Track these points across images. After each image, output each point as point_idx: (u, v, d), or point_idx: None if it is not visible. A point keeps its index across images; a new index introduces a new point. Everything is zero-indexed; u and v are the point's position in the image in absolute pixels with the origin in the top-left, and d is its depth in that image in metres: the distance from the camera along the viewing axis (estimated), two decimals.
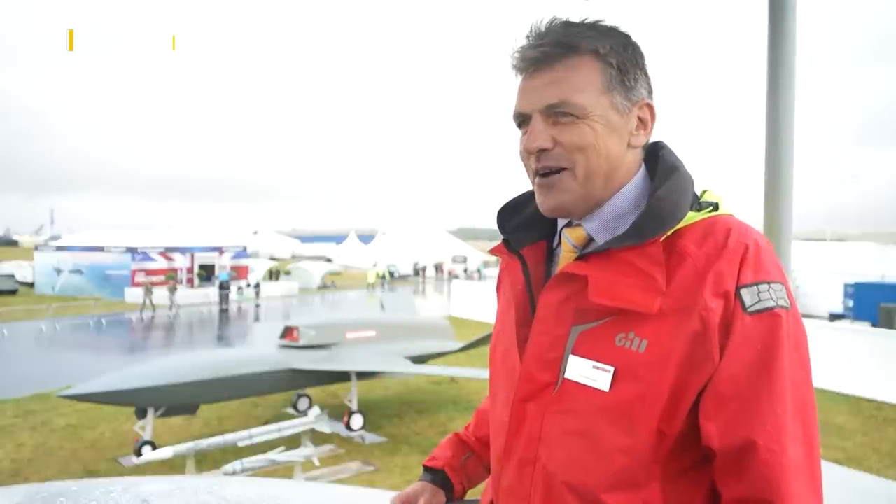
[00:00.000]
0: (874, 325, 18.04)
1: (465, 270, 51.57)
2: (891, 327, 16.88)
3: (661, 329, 0.92)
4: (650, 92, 1.06)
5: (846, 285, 22.42)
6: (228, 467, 7.79)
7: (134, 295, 31.32)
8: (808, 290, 24.37)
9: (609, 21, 1.04)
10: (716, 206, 1.01)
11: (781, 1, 1.68)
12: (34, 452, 10.15)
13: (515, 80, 1.06)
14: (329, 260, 59.30)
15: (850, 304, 21.79)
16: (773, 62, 1.68)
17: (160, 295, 29.18)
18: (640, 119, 1.04)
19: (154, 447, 9.18)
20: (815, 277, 24.57)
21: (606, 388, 0.93)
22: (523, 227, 1.14)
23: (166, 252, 34.21)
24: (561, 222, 1.11)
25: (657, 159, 1.07)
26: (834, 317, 21.51)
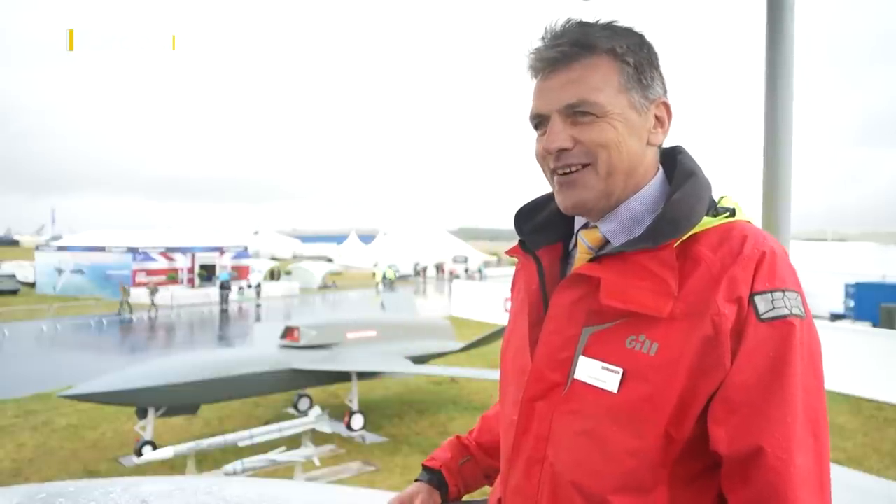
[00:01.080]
0: (875, 325, 18.03)
1: (466, 270, 51.55)
2: (892, 327, 16.86)
3: (673, 332, 0.91)
4: (665, 90, 1.06)
5: (847, 285, 22.41)
6: (229, 467, 7.79)
7: (135, 295, 31.36)
8: (808, 290, 23.93)
9: (621, 21, 1.05)
10: (732, 212, 1.01)
11: (780, 1, 1.68)
12: (35, 452, 10.15)
13: (530, 82, 1.06)
14: (330, 260, 59.31)
15: (851, 304, 21.79)
16: (772, 62, 1.68)
17: (137, 294, 29.17)
18: (657, 117, 1.04)
19: (155, 447, 9.18)
20: (815, 277, 24.53)
21: (615, 390, 0.94)
22: (540, 230, 1.15)
23: (167, 252, 34.23)
24: (577, 224, 1.11)
25: (675, 163, 1.07)
26: (835, 317, 21.49)
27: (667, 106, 1.06)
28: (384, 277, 41.97)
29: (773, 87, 1.68)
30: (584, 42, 0.99)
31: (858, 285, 21.88)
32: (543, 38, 1.03)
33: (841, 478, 2.49)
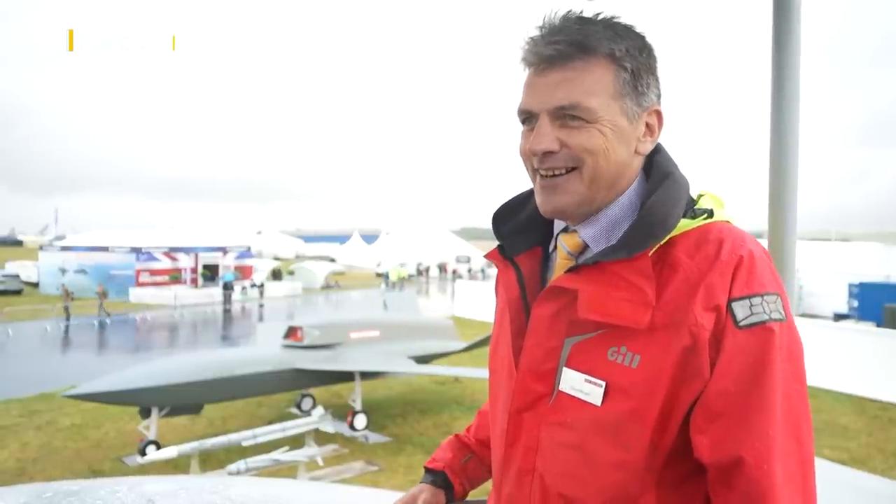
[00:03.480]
0: (879, 325, 18.01)
1: (469, 270, 51.55)
2: (895, 327, 16.82)
3: (654, 344, 0.90)
4: (659, 97, 1.03)
5: (850, 285, 22.38)
6: (233, 467, 7.81)
7: (139, 295, 31.39)
8: (812, 290, 24.31)
9: (624, 19, 1.01)
10: (710, 213, 0.98)
11: (786, 2, 1.68)
12: (39, 452, 10.18)
13: (522, 71, 1.02)
14: (333, 260, 59.32)
15: (855, 304, 21.76)
16: (778, 63, 1.67)
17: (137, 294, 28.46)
18: (647, 125, 1.02)
19: (158, 447, 9.21)
20: (819, 277, 24.50)
21: (598, 403, 0.93)
22: (519, 231, 1.12)
23: (170, 252, 34.27)
24: (557, 227, 1.09)
25: (652, 163, 1.05)
26: (838, 317, 21.46)
27: (659, 115, 1.03)
28: (386, 276, 41.97)
29: (779, 87, 1.67)
30: (582, 43, 0.95)
31: (862, 285, 21.86)
32: (541, 30, 0.98)
33: (845, 478, 2.49)
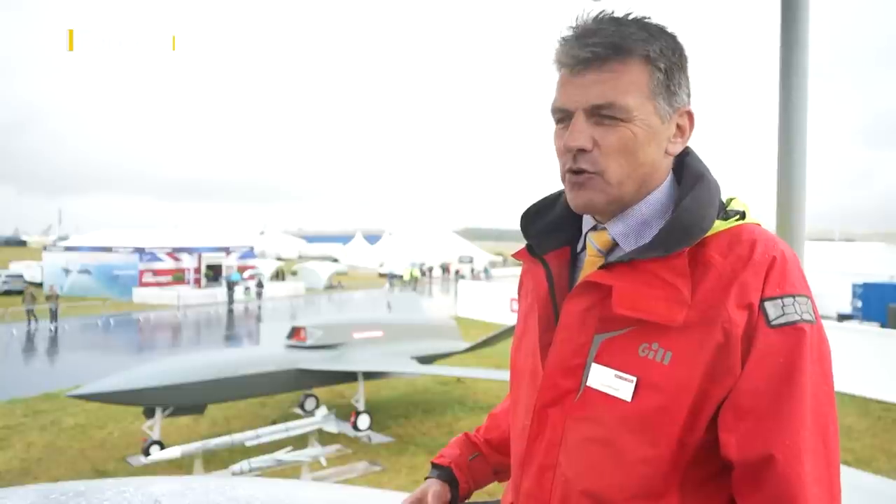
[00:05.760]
0: (883, 325, 17.93)
1: (472, 270, 51.57)
2: None
3: (686, 341, 0.91)
4: (689, 97, 1.04)
5: (855, 285, 22.28)
6: (236, 467, 7.82)
7: (142, 295, 31.45)
8: (816, 290, 23.97)
9: (655, 19, 1.02)
10: (742, 215, 1.00)
11: (794, 2, 1.67)
12: (43, 452, 10.20)
13: (556, 72, 1.03)
14: (336, 260, 59.36)
15: (859, 304, 21.66)
16: (786, 63, 1.67)
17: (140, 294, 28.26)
18: (678, 126, 1.03)
19: (162, 447, 9.22)
20: (823, 277, 24.40)
21: (629, 398, 0.93)
22: (547, 232, 1.13)
23: (174, 252, 34.33)
24: (585, 226, 1.10)
25: (683, 165, 1.06)
26: (842, 317, 21.35)
27: (690, 115, 1.04)
28: (391, 276, 41.98)
29: (788, 87, 1.66)
30: (618, 45, 0.96)
31: (866, 285, 21.76)
32: (574, 30, 0.99)
33: (849, 479, 2.48)
